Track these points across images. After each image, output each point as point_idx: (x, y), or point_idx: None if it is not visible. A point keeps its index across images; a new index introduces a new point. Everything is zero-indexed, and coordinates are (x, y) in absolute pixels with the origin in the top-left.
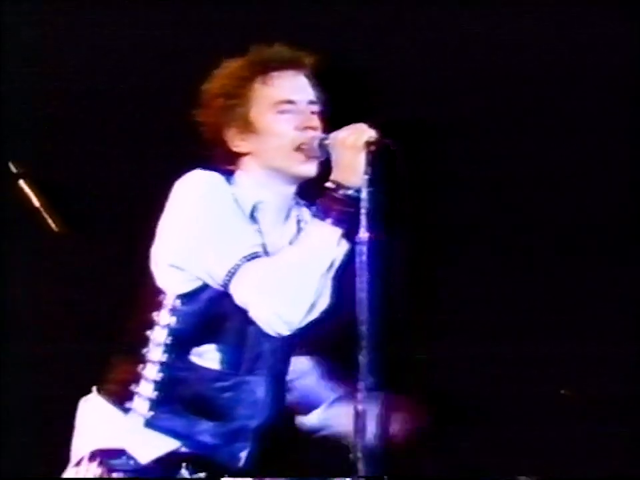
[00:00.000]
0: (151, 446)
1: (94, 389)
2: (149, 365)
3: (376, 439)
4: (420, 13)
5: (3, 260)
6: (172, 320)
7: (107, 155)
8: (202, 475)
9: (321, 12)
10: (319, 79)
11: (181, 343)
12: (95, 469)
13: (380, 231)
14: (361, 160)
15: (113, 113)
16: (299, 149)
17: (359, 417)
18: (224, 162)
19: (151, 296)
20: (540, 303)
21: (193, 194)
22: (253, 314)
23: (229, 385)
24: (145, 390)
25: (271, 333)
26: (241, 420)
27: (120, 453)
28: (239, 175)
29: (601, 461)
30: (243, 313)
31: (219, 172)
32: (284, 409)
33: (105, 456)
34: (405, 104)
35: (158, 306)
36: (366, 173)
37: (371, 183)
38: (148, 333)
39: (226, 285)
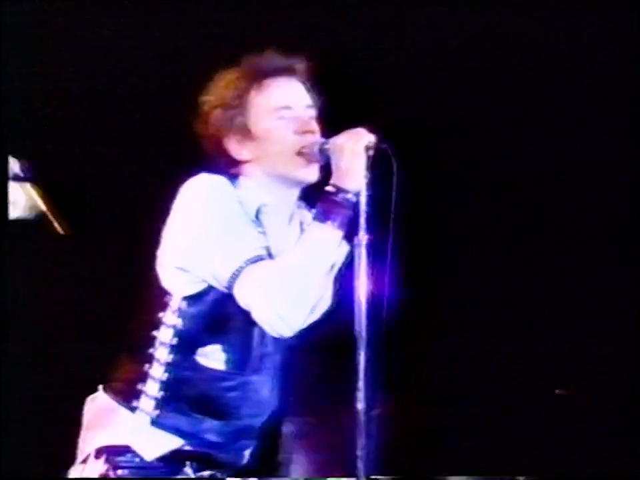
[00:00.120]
0: (156, 444)
1: (100, 387)
2: (155, 365)
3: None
4: (419, 14)
5: (4, 260)
6: (178, 321)
7: (108, 155)
8: (206, 473)
9: (320, 13)
10: (317, 82)
11: (186, 343)
12: (100, 466)
13: (378, 233)
14: (360, 164)
15: (113, 113)
16: (299, 153)
17: (359, 417)
18: (227, 169)
19: (157, 297)
20: (540, 303)
21: (199, 197)
22: (256, 316)
23: (234, 384)
24: (151, 389)
25: (274, 334)
26: (245, 419)
27: (125, 450)
28: (242, 180)
29: (601, 460)
30: (247, 314)
31: (223, 175)
32: (288, 408)
33: (110, 453)
34: (405, 105)
35: (164, 307)
36: (365, 177)
37: (370, 186)
38: (154, 333)
39: (230, 287)
